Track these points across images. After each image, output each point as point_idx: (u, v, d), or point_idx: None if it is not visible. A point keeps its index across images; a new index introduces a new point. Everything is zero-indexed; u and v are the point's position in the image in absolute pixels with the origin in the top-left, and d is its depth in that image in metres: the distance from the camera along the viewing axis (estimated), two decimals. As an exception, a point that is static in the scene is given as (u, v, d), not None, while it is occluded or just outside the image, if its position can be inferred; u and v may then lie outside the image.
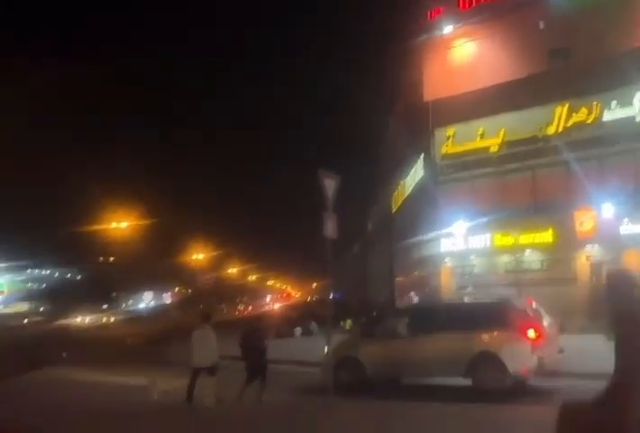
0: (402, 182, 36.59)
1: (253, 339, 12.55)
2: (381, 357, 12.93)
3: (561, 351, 12.57)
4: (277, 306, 78.00)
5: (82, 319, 74.30)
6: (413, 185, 32.60)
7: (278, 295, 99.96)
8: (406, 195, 35.59)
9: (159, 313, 76.30)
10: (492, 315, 12.08)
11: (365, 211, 57.84)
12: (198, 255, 76.47)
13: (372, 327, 15.78)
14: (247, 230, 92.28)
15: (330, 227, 11.64)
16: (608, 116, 23.71)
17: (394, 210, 41.14)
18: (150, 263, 78.23)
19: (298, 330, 29.96)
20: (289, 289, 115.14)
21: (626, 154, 23.16)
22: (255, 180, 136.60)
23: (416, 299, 25.20)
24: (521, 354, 11.48)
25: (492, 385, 11.35)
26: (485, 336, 11.99)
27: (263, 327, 14.69)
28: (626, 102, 23.31)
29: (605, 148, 23.54)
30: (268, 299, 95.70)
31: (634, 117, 23.15)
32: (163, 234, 66.52)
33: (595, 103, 23.89)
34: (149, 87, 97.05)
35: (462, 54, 28.10)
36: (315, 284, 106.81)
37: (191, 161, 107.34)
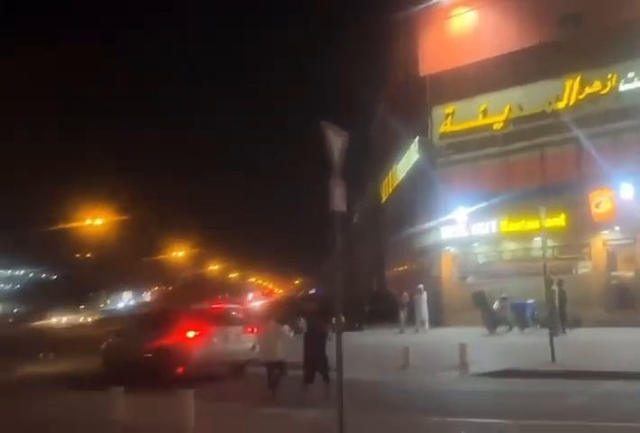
0: (393, 169, 34.31)
1: (313, 325, 11.68)
2: None
3: (254, 347, 14.74)
4: (260, 302, 75.56)
5: (59, 320, 71.45)
6: (407, 170, 30.31)
7: (261, 292, 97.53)
8: (397, 182, 33.33)
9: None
10: (168, 319, 15.29)
11: (350, 203, 55.60)
12: (178, 253, 73.98)
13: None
14: (228, 227, 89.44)
15: (338, 197, 9.13)
16: (624, 87, 21.60)
17: (384, 200, 38.90)
18: (129, 261, 75.53)
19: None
20: (271, 286, 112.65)
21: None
22: (238, 177, 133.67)
23: (423, 295, 22.97)
24: (183, 350, 14.16)
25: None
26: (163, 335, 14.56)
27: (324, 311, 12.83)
28: (646, 73, 21.21)
29: (622, 122, 21.47)
30: (250, 296, 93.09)
31: (655, 87, 21.08)
32: (142, 232, 63.90)
33: (610, 75, 21.79)
34: (119, 86, 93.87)
35: (462, 24, 25.79)
36: (297, 281, 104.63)
37: (170, 157, 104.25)
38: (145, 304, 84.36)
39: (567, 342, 16.70)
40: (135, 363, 14.38)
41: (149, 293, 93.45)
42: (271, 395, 11.38)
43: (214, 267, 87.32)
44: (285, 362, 11.81)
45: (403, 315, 23.64)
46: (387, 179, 36.79)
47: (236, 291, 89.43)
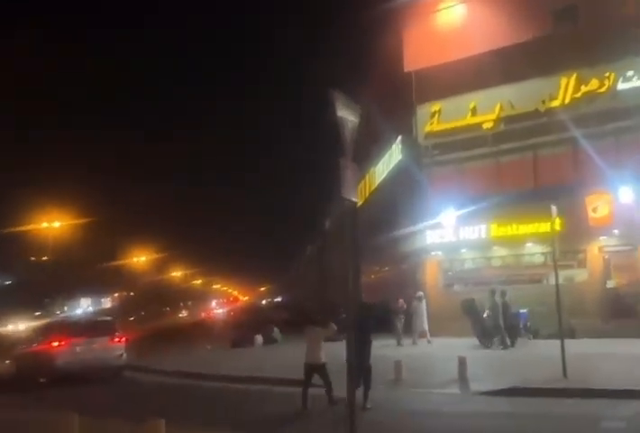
0: (372, 171, 32.89)
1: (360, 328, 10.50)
2: None
3: (121, 356, 17.76)
4: (224, 310, 73.46)
5: (15, 326, 68.25)
6: (388, 172, 28.91)
7: (225, 299, 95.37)
8: (376, 184, 31.91)
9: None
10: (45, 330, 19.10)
11: (322, 208, 53.97)
12: (140, 258, 71.55)
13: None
14: (192, 233, 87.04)
15: (348, 182, 7.52)
16: (623, 86, 20.55)
17: (360, 203, 37.43)
18: (88, 266, 72.74)
19: (259, 338, 25.76)
20: (237, 293, 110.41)
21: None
22: (206, 182, 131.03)
23: (423, 302, 21.40)
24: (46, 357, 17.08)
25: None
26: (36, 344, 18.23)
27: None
28: (645, 71, 20.18)
29: (620, 123, 20.40)
30: (214, 303, 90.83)
31: (655, 86, 20.06)
32: (102, 236, 61.35)
33: (608, 73, 20.70)
34: (79, 85, 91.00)
35: (450, 18, 24.51)
36: (262, 288, 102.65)
37: (134, 160, 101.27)
38: (103, 310, 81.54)
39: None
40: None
41: (108, 299, 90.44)
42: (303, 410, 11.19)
43: (177, 273, 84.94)
44: (325, 366, 11.60)
45: (400, 325, 21.62)
46: (364, 181, 35.35)
47: (200, 298, 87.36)
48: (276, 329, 26.67)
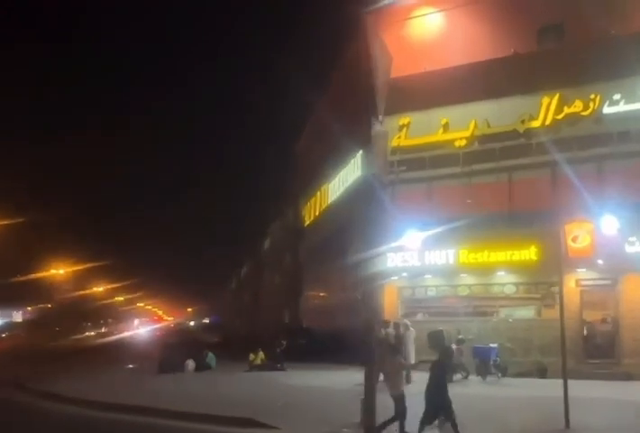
0: (324, 188, 30.88)
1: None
2: None
3: None
4: (148, 329, 69.32)
5: None
6: (344, 189, 26.93)
7: (149, 318, 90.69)
8: (329, 202, 29.89)
9: (5, 333, 65.52)
10: None
11: (262, 226, 51.55)
12: (59, 270, 66.85)
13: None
14: (118, 248, 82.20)
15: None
16: (609, 110, 19.30)
17: (307, 223, 35.29)
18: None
19: (191, 363, 22.94)
20: (161, 312, 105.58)
21: (634, 156, 18.74)
22: (135, 193, 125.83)
23: (411, 331, 18.51)
24: None
25: None
26: None
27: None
28: (634, 95, 18.98)
29: (604, 148, 19.08)
30: (136, 321, 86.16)
31: (642, 111, 18.86)
32: (15, 246, 56.41)
33: (593, 95, 19.41)
34: None
35: (426, 27, 22.97)
36: (190, 308, 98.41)
37: (55, 165, 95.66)
38: (15, 324, 75.91)
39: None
40: None
41: (20, 312, 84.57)
42: None
43: (98, 288, 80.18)
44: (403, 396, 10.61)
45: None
46: (313, 199, 33.30)
47: (122, 316, 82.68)
48: (210, 354, 23.89)
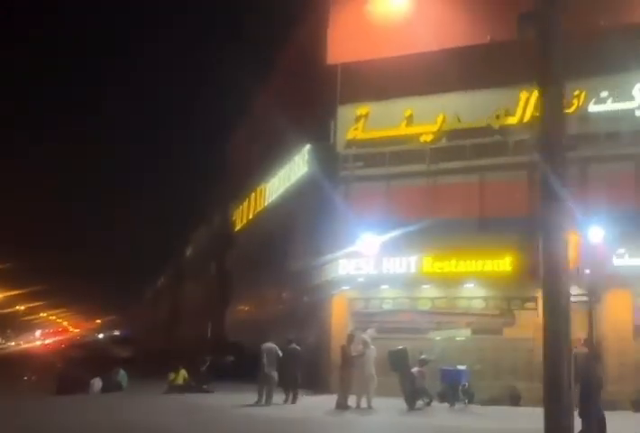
0: (259, 189, 27.90)
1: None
2: None
3: None
4: (49, 341, 63.63)
5: None
6: (285, 188, 24.09)
7: (52, 329, 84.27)
8: (265, 204, 26.93)
9: None
10: None
11: (183, 232, 47.77)
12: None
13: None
14: (18, 248, 74.82)
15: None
16: (595, 108, 17.39)
17: (238, 228, 32.14)
18: None
19: (98, 382, 19.27)
20: (66, 323, 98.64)
21: (622, 160, 16.84)
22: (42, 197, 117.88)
23: (371, 350, 15.36)
24: None
25: None
26: None
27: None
28: (622, 94, 17.14)
29: (591, 149, 17.06)
30: (38, 333, 79.71)
31: (632, 111, 17.01)
32: None
33: (578, 91, 17.44)
34: None
35: (390, 7, 20.54)
36: (99, 320, 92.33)
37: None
38: None
39: None
40: None
41: None
42: None
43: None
44: None
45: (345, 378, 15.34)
46: (246, 202, 30.22)
47: (22, 326, 76.19)
48: (122, 372, 20.28)
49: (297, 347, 16.78)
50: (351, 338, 15.68)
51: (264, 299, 26.32)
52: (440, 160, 18.69)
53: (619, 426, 10.47)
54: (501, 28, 18.56)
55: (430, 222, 17.35)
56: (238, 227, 31.84)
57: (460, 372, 15.49)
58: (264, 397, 15.70)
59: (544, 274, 7.76)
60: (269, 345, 16.53)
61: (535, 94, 17.61)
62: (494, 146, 18.16)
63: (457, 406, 15.35)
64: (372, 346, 15.31)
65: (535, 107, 17.80)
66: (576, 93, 17.45)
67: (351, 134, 19.99)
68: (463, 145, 18.48)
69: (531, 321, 17.01)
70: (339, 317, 18.69)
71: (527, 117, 17.88)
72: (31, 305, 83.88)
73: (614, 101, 17.19)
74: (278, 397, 16.06)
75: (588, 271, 15.66)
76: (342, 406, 14.84)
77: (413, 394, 14.97)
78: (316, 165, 20.92)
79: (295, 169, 23.17)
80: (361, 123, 19.90)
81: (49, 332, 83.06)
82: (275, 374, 15.91)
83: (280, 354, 16.27)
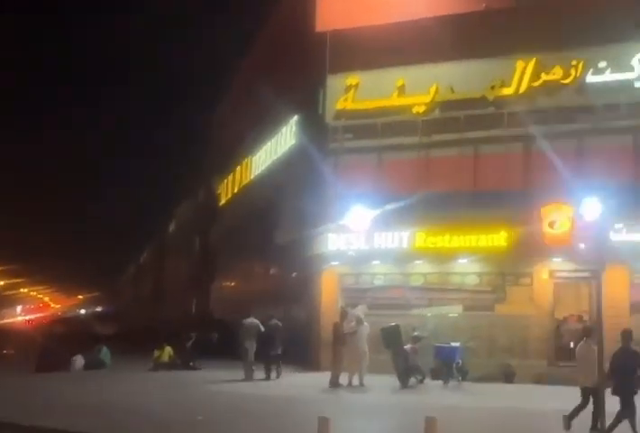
0: (245, 161, 27.24)
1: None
2: None
3: None
4: (31, 317, 62.86)
5: None
6: (272, 160, 23.47)
7: (34, 305, 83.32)
8: (252, 177, 26.31)
9: None
10: None
11: (167, 207, 46.98)
12: None
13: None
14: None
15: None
16: (592, 79, 16.87)
17: (223, 202, 31.52)
18: None
19: (79, 360, 18.76)
20: (48, 299, 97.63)
21: (621, 132, 16.39)
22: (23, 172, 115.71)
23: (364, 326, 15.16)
24: None
25: None
26: None
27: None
28: (621, 64, 16.61)
29: (588, 122, 16.63)
30: (19, 308, 78.83)
31: (631, 82, 16.51)
32: None
33: (575, 61, 16.91)
34: None
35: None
36: (81, 296, 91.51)
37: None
38: None
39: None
40: None
41: None
42: None
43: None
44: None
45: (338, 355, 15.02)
46: (231, 176, 29.55)
47: (1, 302, 75.15)
48: (105, 349, 19.77)
49: (279, 323, 16.53)
50: (344, 315, 15.32)
51: (251, 274, 25.82)
52: (433, 131, 18.13)
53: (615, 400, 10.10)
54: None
55: (423, 196, 16.94)
56: (223, 201, 31.21)
57: (454, 349, 15.20)
58: (250, 372, 15.52)
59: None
60: (251, 320, 16.39)
61: (532, 64, 17.34)
62: (488, 118, 17.64)
63: (451, 383, 15.07)
64: (365, 323, 14.93)
65: (531, 78, 17.44)
66: (574, 63, 16.97)
67: (340, 105, 19.31)
68: (457, 117, 17.93)
69: (525, 297, 16.79)
70: (329, 293, 18.24)
71: (523, 88, 17.38)
72: (10, 281, 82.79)
73: (612, 72, 16.67)
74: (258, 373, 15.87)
75: (583, 246, 15.40)
76: (335, 384, 14.49)
77: (406, 371, 14.67)
78: (305, 136, 20.31)
79: (282, 140, 22.56)
80: (351, 93, 19.23)
81: (30, 308, 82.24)
82: (252, 348, 15.73)
83: (262, 329, 16.04)
